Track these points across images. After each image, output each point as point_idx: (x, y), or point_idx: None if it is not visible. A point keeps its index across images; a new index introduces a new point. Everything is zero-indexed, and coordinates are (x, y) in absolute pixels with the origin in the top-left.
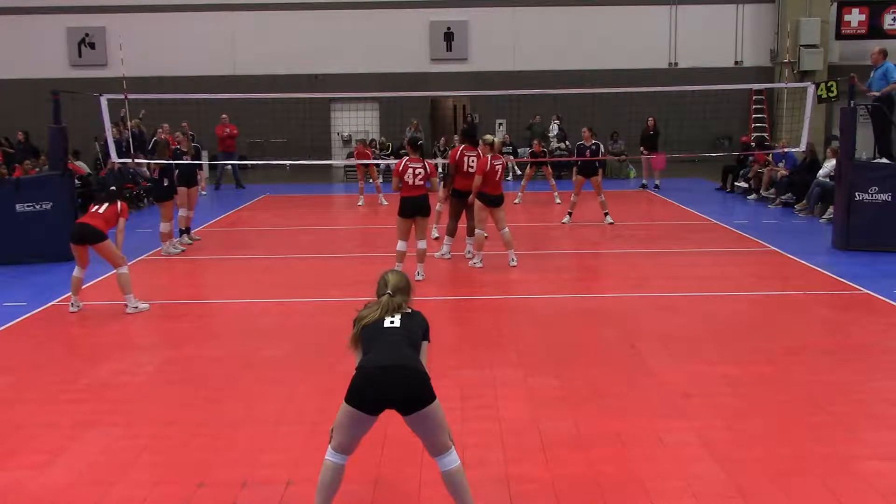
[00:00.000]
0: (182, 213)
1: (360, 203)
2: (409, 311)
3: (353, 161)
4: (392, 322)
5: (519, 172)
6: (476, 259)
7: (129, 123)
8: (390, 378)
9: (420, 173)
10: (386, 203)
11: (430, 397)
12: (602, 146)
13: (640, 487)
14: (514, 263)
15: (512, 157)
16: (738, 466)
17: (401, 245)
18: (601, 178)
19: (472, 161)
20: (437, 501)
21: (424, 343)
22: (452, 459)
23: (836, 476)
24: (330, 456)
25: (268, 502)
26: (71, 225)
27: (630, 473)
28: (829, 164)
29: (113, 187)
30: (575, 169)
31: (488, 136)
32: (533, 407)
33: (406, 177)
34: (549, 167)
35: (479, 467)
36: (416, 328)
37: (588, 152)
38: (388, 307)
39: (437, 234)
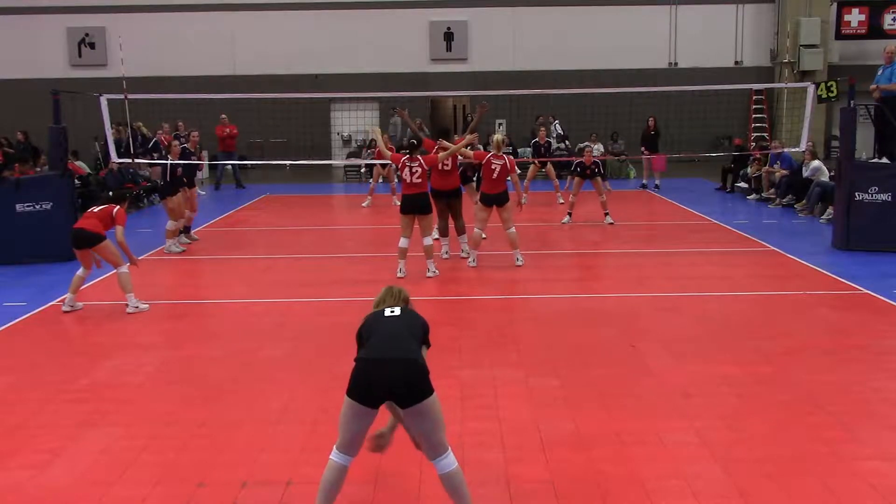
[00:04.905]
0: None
1: (365, 204)
2: (410, 308)
3: (369, 161)
4: (393, 311)
5: (518, 171)
6: (471, 258)
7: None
8: (389, 370)
9: (417, 171)
10: (399, 203)
11: (428, 390)
12: (601, 165)
13: (640, 487)
14: (520, 263)
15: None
16: (738, 466)
17: (402, 242)
18: (599, 180)
19: (447, 160)
20: (436, 501)
21: (425, 349)
22: (450, 462)
23: (836, 476)
24: (334, 456)
25: (268, 502)
26: (71, 225)
27: (630, 473)
28: (812, 165)
29: (114, 191)
30: (575, 172)
31: (497, 136)
32: (533, 407)
33: (404, 175)
34: (552, 166)
35: (479, 467)
36: (417, 325)
37: (588, 171)
38: (390, 295)
39: (436, 235)
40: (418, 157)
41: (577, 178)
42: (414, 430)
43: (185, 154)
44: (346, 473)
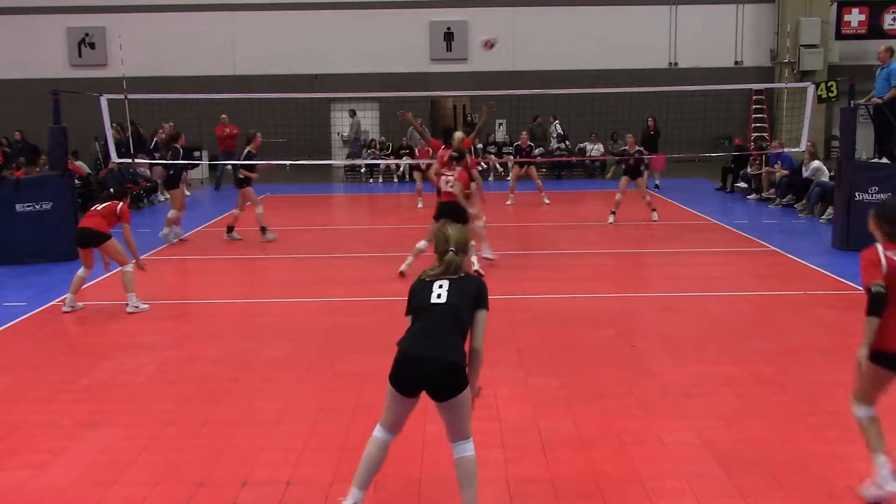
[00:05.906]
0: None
1: (419, 204)
2: (460, 275)
3: (369, 161)
4: (439, 296)
5: (500, 171)
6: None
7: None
8: (425, 369)
9: (450, 180)
10: (422, 206)
11: (462, 386)
12: (644, 152)
13: (640, 487)
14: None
15: (494, 157)
16: (738, 466)
17: (421, 243)
18: (645, 179)
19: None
20: (437, 501)
21: (482, 312)
22: (469, 448)
23: (836, 476)
24: (376, 431)
25: (268, 502)
26: (71, 225)
27: (630, 473)
28: (812, 165)
29: (115, 188)
30: (622, 169)
31: (457, 133)
32: (533, 407)
33: (440, 183)
34: (534, 167)
35: (479, 467)
36: (468, 298)
37: (632, 160)
38: (451, 265)
39: None
40: (455, 167)
41: (624, 177)
42: (443, 417)
43: (249, 156)
44: (387, 449)
